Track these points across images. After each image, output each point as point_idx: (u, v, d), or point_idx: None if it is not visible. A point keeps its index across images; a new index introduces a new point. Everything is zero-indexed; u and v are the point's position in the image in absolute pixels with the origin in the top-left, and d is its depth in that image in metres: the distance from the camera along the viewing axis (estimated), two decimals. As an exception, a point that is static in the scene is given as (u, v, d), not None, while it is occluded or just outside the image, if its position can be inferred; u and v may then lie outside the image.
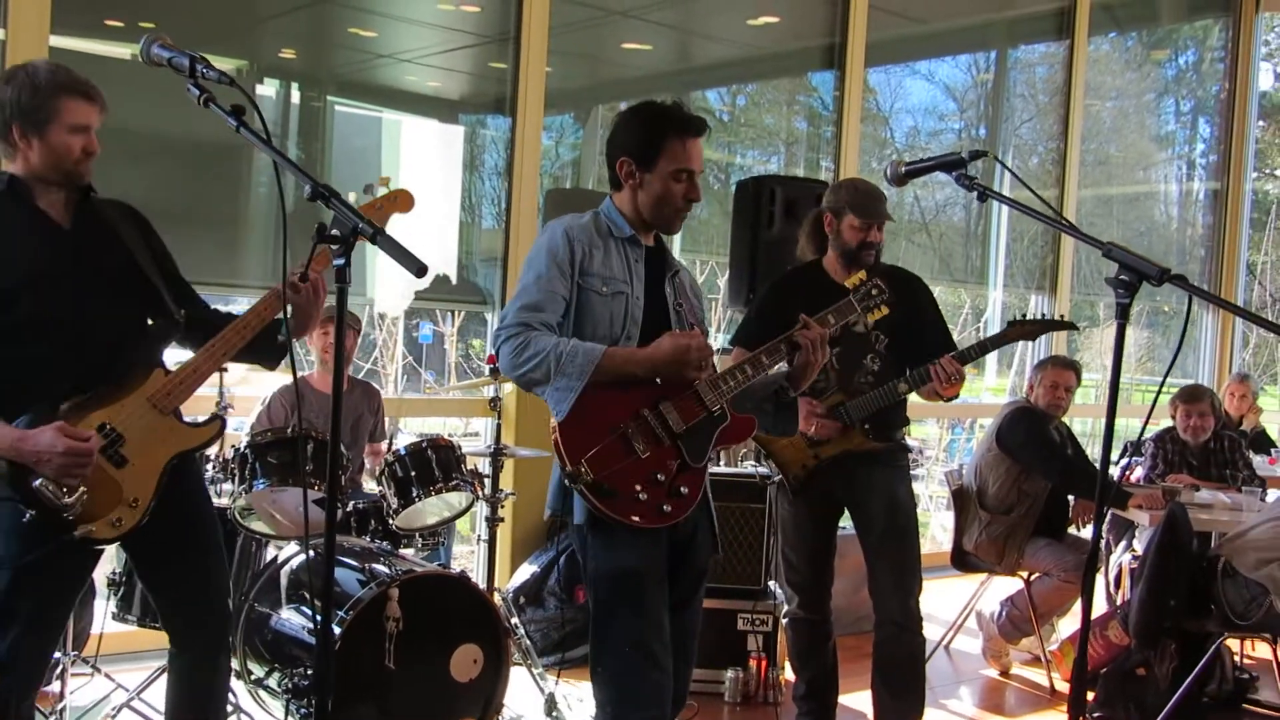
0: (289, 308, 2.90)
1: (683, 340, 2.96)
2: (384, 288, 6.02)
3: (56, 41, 4.64)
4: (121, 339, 2.93)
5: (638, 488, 2.91)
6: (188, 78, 2.22)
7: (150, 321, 3.01)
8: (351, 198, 3.16)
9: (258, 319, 2.95)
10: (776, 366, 3.14)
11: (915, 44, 8.43)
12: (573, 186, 7.24)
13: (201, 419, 3.06)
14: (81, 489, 2.75)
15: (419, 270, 1.93)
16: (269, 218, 5.59)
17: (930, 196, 8.54)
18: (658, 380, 2.97)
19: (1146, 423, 2.91)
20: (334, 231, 1.94)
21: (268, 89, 5.80)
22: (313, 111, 5.92)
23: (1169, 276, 2.43)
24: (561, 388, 2.88)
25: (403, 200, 3.31)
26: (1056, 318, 4.49)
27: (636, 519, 2.91)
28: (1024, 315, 4.39)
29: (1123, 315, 2.47)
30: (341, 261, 1.95)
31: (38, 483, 2.71)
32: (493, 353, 3.15)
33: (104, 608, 4.13)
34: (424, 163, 6.28)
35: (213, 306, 3.20)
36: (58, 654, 3.88)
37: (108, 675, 4.20)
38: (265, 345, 3.05)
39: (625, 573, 2.96)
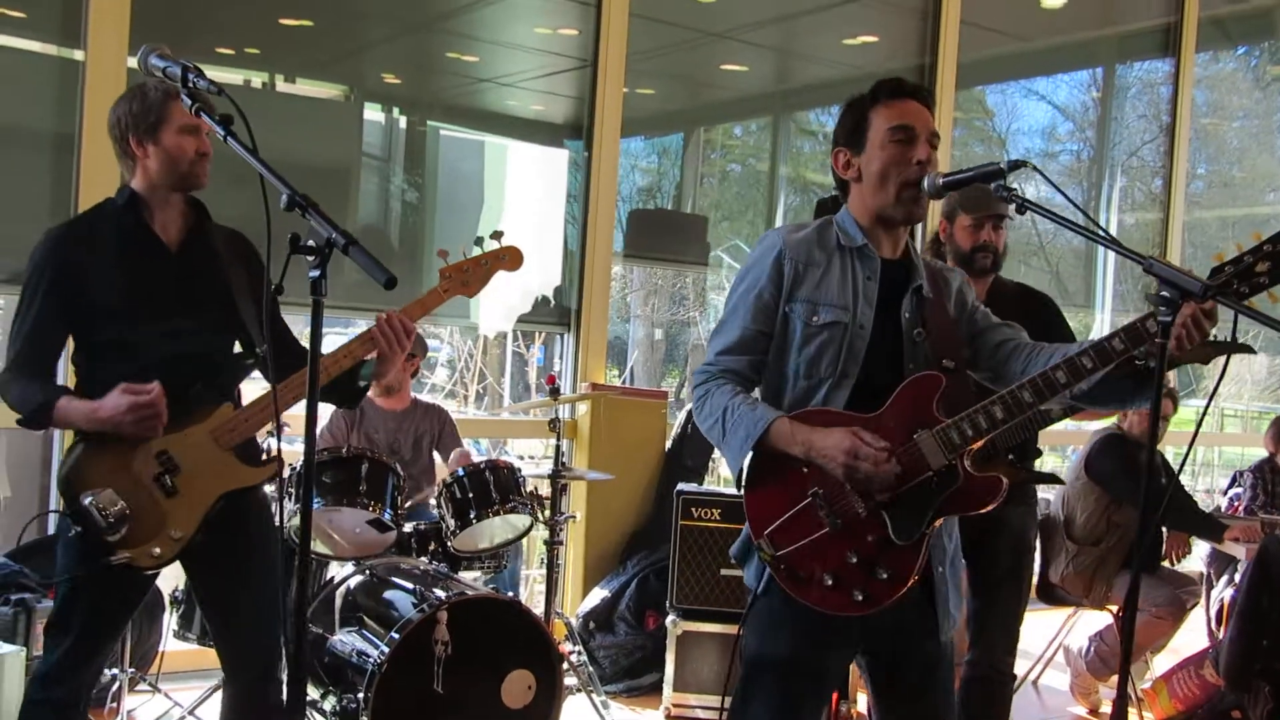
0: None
1: (850, 442, 2.41)
2: (487, 309, 6.08)
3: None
4: (203, 367, 2.96)
5: (825, 573, 2.47)
6: (181, 86, 2.22)
7: (233, 353, 3.04)
8: (460, 250, 3.18)
9: (335, 364, 2.95)
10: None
11: (1018, 62, 8.23)
12: (673, 208, 7.23)
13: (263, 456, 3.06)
14: (126, 513, 2.77)
15: (388, 282, 1.90)
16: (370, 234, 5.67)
17: (1046, 220, 8.33)
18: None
19: (1188, 453, 2.73)
20: (309, 242, 1.91)
21: (373, 114, 5.88)
22: (417, 136, 5.99)
23: (1213, 292, 2.29)
24: (727, 456, 2.56)
25: (511, 259, 3.21)
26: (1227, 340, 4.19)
27: (820, 608, 2.49)
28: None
29: (1164, 334, 2.34)
30: (317, 274, 1.92)
31: (87, 500, 2.76)
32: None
33: (167, 625, 4.19)
34: (528, 187, 6.32)
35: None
36: (115, 671, 3.95)
37: (166, 694, 4.26)
38: (346, 388, 3.06)
39: (774, 658, 2.59)
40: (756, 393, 2.65)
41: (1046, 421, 3.53)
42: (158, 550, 2.85)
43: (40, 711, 2.90)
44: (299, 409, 3.60)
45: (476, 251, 3.22)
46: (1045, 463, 11.14)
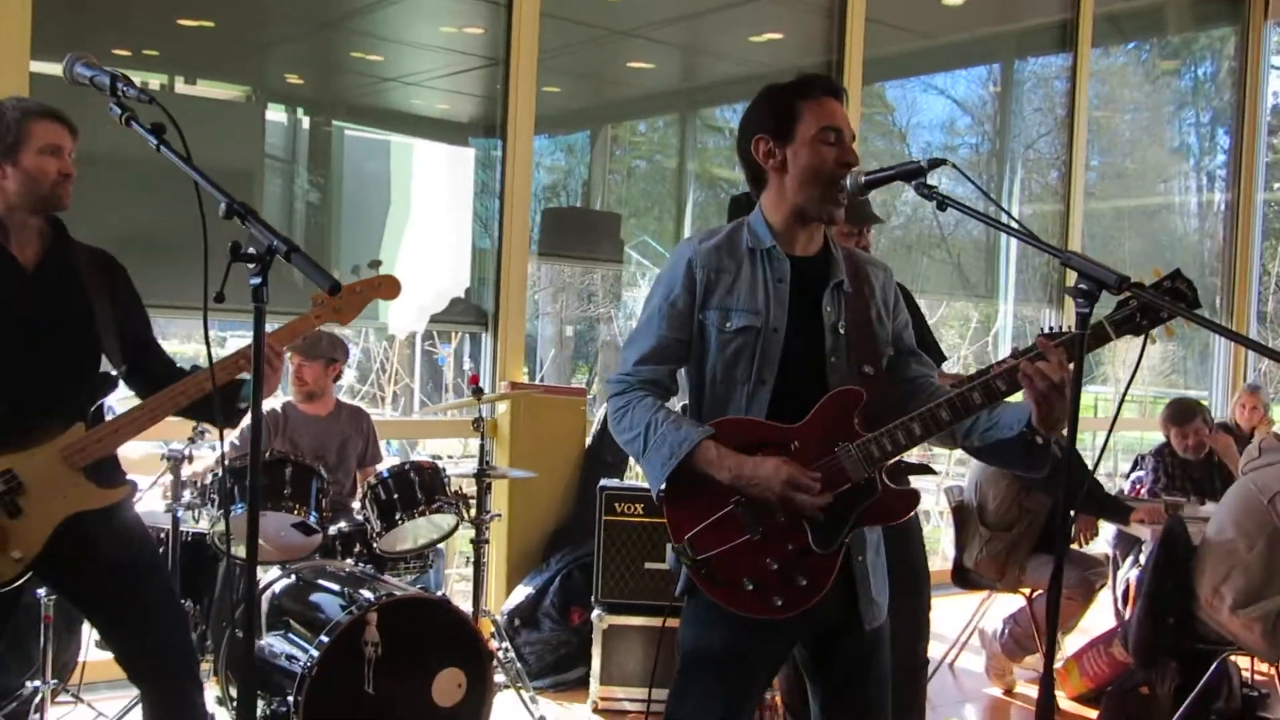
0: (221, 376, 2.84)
1: (787, 473, 2.43)
2: (397, 310, 6.04)
3: (40, 68, 4.66)
4: (56, 387, 2.89)
5: (744, 578, 2.50)
6: (110, 96, 2.20)
7: (90, 373, 2.97)
8: (337, 273, 3.16)
9: (196, 388, 2.89)
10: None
11: (920, 58, 8.40)
12: (583, 206, 7.25)
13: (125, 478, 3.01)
14: None
15: (332, 287, 1.90)
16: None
17: (950, 212, 8.47)
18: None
19: (1108, 440, 2.83)
20: (250, 250, 1.91)
21: (275, 114, 5.82)
22: (321, 136, 5.93)
23: (1128, 285, 2.38)
24: (647, 472, 2.54)
25: (387, 287, 3.16)
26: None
27: (741, 612, 2.52)
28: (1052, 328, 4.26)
29: (1083, 325, 2.42)
30: (258, 280, 1.92)
31: None
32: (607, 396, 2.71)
33: (88, 635, 4.11)
34: (434, 185, 6.29)
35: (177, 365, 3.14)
36: (37, 683, 3.87)
37: (90, 704, 4.18)
38: (222, 408, 2.99)
39: (706, 654, 2.60)
40: (674, 403, 2.66)
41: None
42: None
43: None
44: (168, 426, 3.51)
45: (354, 279, 3.22)
46: (954, 450, 11.37)
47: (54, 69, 4.88)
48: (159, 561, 3.17)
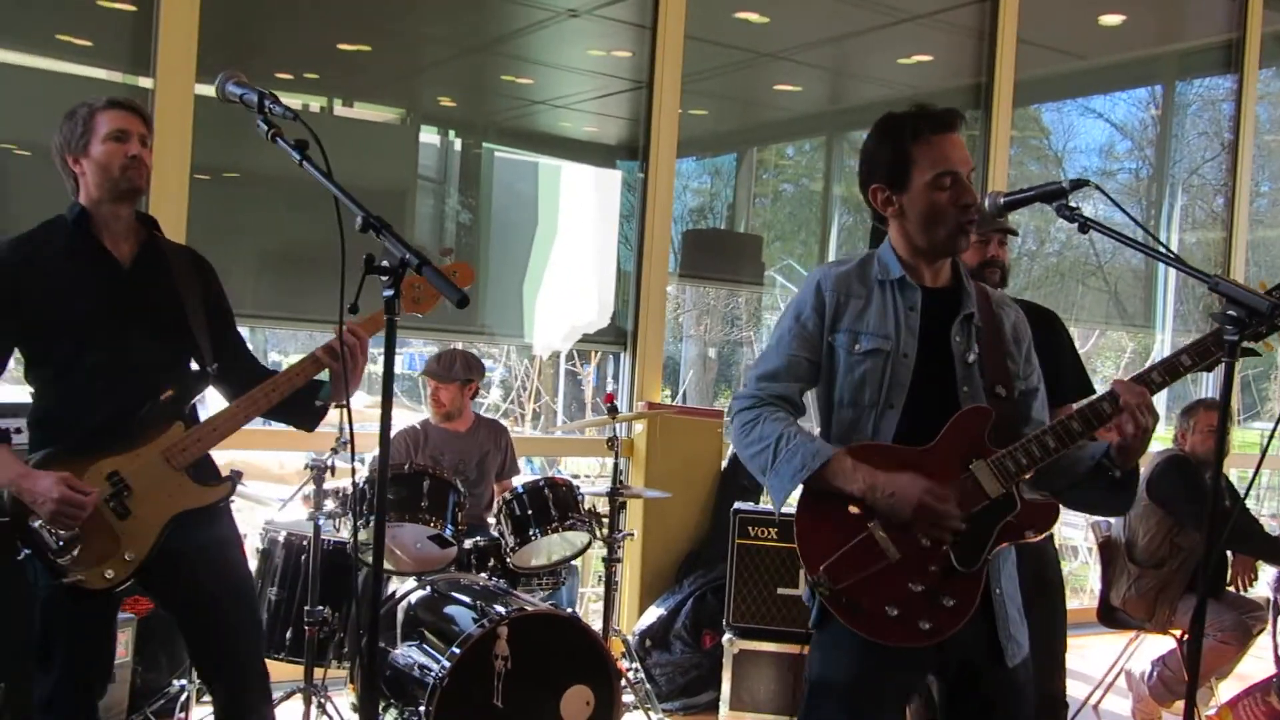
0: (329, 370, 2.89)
1: (924, 485, 2.42)
2: (542, 329, 6.13)
3: (205, 90, 4.83)
4: (155, 386, 2.91)
5: (888, 604, 2.44)
6: (256, 113, 2.27)
7: (186, 371, 3.02)
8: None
9: (287, 383, 2.92)
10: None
11: (1077, 80, 8.18)
12: (726, 228, 7.25)
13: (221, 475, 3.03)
14: (77, 534, 2.75)
15: (460, 301, 1.93)
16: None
17: (1105, 238, 8.23)
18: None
19: (1255, 476, 2.70)
20: (383, 263, 1.95)
21: (428, 136, 5.96)
22: (472, 158, 6.06)
23: (1280, 310, 2.29)
24: (773, 487, 2.51)
25: (461, 275, 3.18)
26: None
27: (887, 641, 2.47)
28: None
29: (1230, 353, 2.33)
30: (390, 293, 1.96)
31: (36, 524, 2.74)
32: (725, 419, 2.71)
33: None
34: (581, 207, 6.37)
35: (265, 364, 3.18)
36: (183, 682, 4.00)
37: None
38: (302, 408, 3.05)
39: (835, 684, 2.55)
40: (805, 423, 2.64)
41: None
42: (110, 573, 2.81)
43: None
44: (362, 425, 3.63)
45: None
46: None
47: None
48: (243, 562, 3.16)
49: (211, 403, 3.23)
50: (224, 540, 3.06)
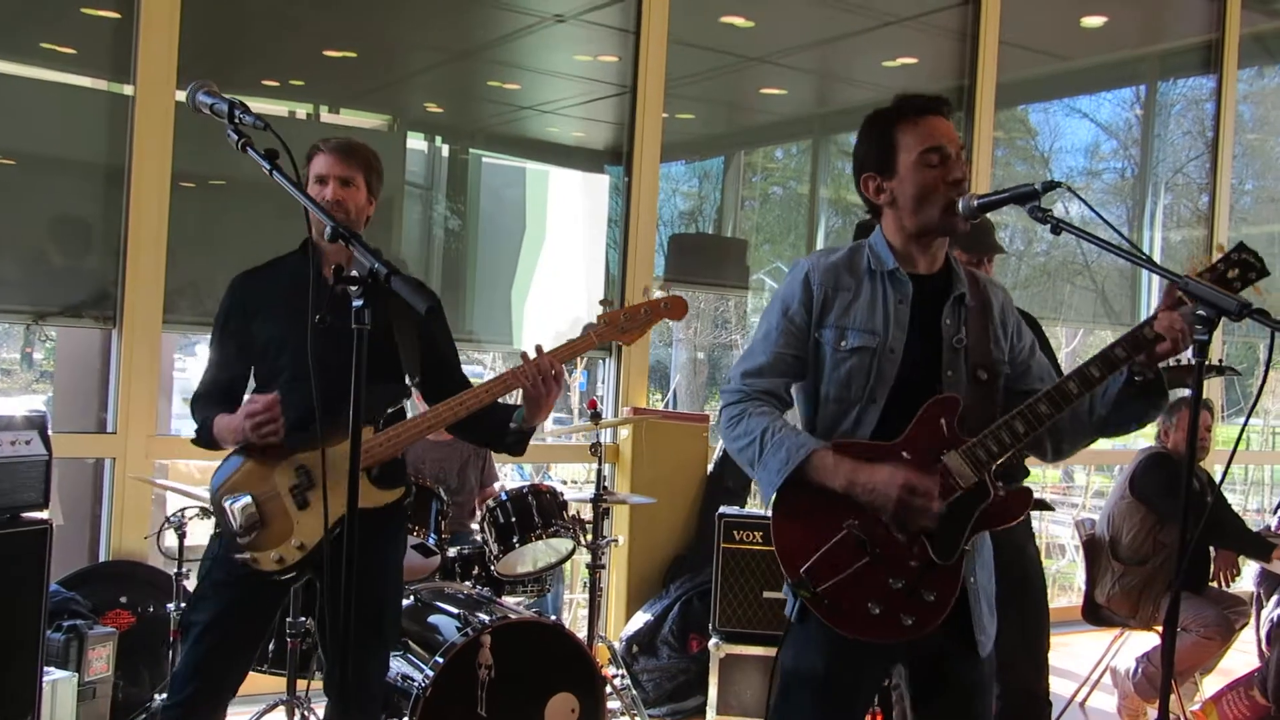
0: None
1: (904, 477, 2.42)
2: (530, 335, 6.13)
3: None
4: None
5: (870, 603, 2.45)
6: (227, 123, 2.27)
7: (384, 381, 3.11)
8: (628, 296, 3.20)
9: (474, 399, 3.03)
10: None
11: (1061, 81, 8.21)
12: (714, 232, 7.26)
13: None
14: (256, 516, 2.96)
15: (428, 309, 1.93)
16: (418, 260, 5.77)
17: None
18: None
19: (1226, 471, 2.71)
20: (352, 273, 1.96)
21: (415, 142, 5.97)
22: (459, 164, 6.06)
23: (1249, 311, 2.29)
24: (762, 480, 2.53)
25: (674, 307, 3.23)
26: (1216, 362, 4.20)
27: (871, 639, 2.49)
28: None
29: (1201, 352, 2.34)
30: (360, 303, 1.96)
31: (227, 502, 2.99)
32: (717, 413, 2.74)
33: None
34: (569, 212, 6.37)
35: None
36: (164, 696, 3.98)
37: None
38: (491, 428, 3.16)
39: (808, 676, 2.56)
40: (790, 417, 2.65)
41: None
42: (279, 556, 2.98)
43: (171, 713, 3.00)
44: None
45: (644, 298, 3.37)
46: (1092, 482, 11.04)
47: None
48: (396, 567, 3.27)
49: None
50: (384, 546, 3.18)
